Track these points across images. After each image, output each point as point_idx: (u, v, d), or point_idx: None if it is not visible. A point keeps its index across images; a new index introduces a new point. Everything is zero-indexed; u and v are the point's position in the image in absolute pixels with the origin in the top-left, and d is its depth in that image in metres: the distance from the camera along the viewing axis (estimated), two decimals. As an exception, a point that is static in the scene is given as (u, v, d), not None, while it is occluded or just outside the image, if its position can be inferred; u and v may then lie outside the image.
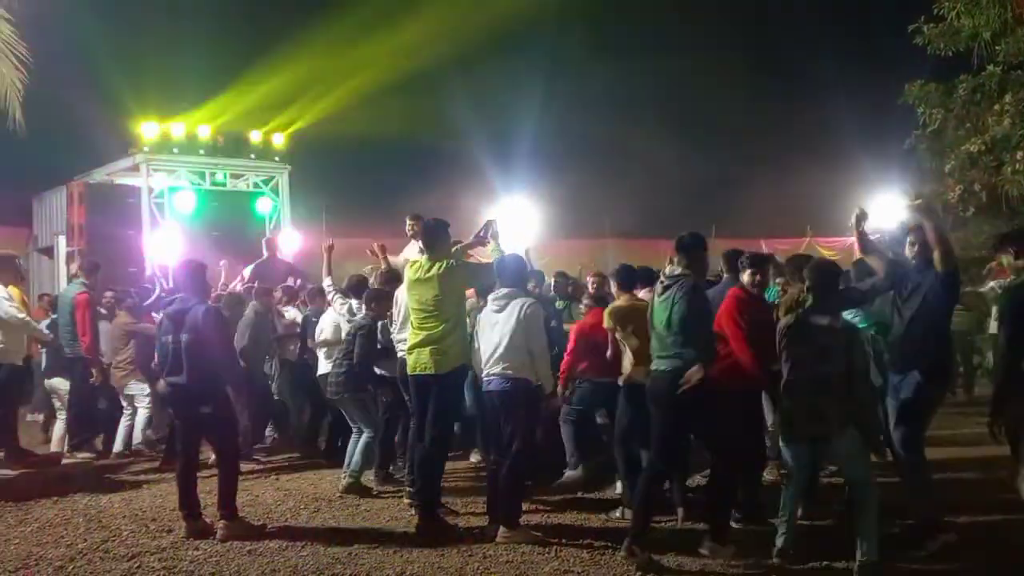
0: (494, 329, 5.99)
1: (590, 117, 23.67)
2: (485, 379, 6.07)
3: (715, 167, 23.72)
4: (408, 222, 8.63)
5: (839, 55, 22.90)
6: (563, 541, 5.85)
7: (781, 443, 5.39)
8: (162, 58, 19.05)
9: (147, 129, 13.60)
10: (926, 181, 14.04)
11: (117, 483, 7.96)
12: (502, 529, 5.88)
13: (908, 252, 5.73)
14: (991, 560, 5.36)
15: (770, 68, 25.11)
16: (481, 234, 6.68)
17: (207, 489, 6.52)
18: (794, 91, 23.86)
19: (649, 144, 22.80)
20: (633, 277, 6.79)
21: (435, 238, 6.31)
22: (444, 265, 6.15)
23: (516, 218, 17.16)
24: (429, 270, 6.19)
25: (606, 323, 6.57)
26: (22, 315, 8.38)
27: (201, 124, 14.43)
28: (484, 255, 7.08)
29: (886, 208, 18.30)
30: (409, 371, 6.30)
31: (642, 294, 6.68)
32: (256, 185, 15.13)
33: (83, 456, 8.98)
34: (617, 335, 6.50)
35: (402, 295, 6.82)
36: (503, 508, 5.96)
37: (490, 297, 6.12)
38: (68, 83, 17.35)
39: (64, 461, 8.80)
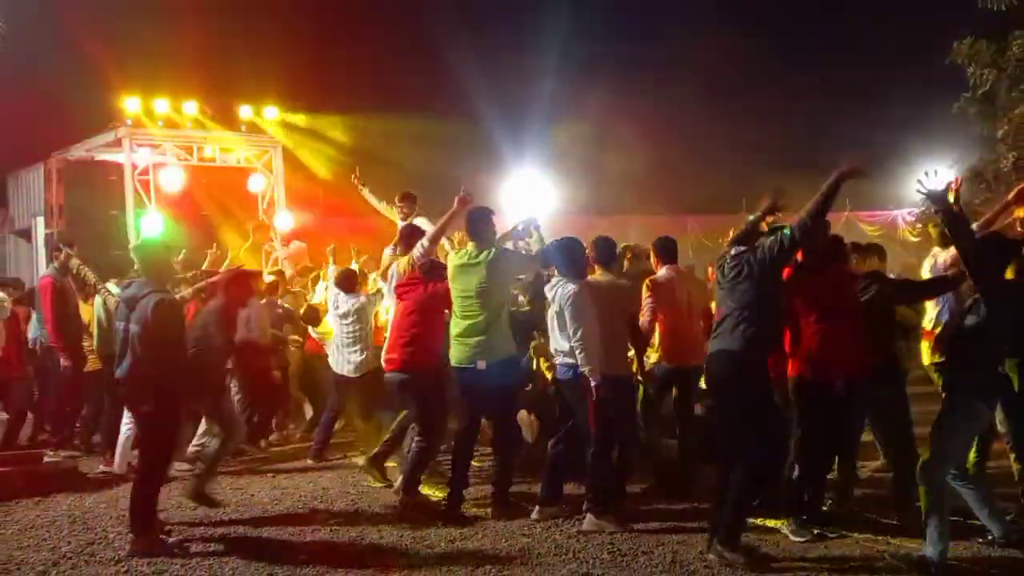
0: (553, 318, 6.37)
1: (609, 84, 23.51)
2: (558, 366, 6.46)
3: (745, 138, 23.49)
4: (398, 204, 8.67)
5: (877, 10, 22.59)
6: (581, 541, 5.90)
7: None
8: (144, 25, 18.99)
9: (129, 101, 13.58)
10: (976, 149, 13.92)
11: (102, 482, 8.01)
12: (589, 518, 6.13)
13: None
14: None
15: (802, 29, 24.84)
16: (520, 228, 7.06)
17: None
18: (828, 51, 23.55)
19: (674, 116, 22.66)
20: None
21: (482, 226, 6.71)
22: (494, 252, 6.55)
23: (529, 193, 17.06)
24: (477, 256, 6.57)
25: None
26: None
27: (187, 96, 14.40)
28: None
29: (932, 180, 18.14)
30: (453, 363, 6.67)
31: (663, 271, 7.09)
32: (248, 161, 15.12)
33: (66, 454, 9.07)
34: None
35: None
36: (591, 494, 6.22)
37: (548, 286, 6.48)
38: (44, 53, 17.37)
39: (45, 459, 8.88)
